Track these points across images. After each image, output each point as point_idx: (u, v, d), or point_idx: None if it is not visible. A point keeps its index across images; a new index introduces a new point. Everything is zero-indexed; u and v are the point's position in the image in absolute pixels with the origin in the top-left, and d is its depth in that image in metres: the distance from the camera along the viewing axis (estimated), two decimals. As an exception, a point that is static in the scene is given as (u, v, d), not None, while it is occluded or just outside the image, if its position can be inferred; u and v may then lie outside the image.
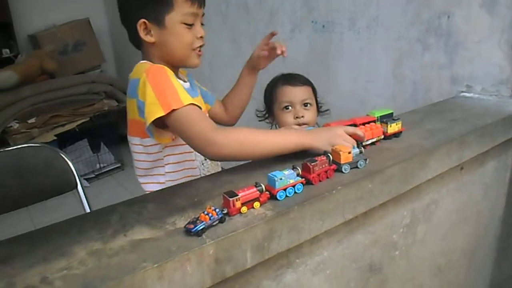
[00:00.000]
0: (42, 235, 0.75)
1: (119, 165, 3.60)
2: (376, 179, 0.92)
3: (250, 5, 2.44)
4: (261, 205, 0.77)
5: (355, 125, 1.11)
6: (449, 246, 1.32)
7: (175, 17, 1.02)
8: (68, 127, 3.21)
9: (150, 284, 0.63)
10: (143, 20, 1.02)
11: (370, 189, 0.91)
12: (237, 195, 0.74)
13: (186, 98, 0.95)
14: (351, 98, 1.98)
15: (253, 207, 0.77)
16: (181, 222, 0.74)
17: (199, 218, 0.70)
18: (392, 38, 1.75)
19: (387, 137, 1.10)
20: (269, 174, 0.80)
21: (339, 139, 0.94)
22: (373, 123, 1.09)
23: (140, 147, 1.10)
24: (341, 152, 0.89)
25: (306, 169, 0.85)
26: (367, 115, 1.18)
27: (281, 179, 0.79)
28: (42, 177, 1.33)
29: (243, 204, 0.75)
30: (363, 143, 1.01)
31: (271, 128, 1.54)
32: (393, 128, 1.10)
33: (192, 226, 0.69)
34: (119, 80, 3.77)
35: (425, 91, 1.68)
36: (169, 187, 0.92)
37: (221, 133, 0.92)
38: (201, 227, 0.69)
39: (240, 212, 0.75)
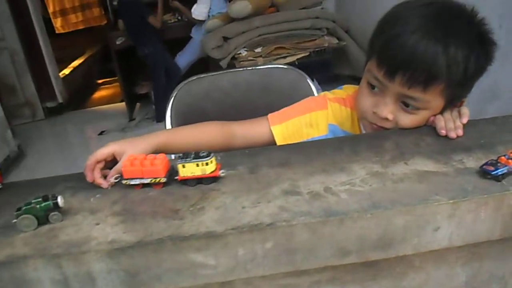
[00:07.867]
0: (315, 148, 0.76)
1: (327, 102, 3.64)
2: None
3: None
4: None
5: None
6: None
7: (366, 69, 0.86)
8: (289, 59, 3.32)
9: (439, 219, 0.58)
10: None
11: None
12: (552, 144, 0.62)
13: (277, 127, 0.94)
14: None
15: None
16: (469, 161, 0.66)
17: (500, 161, 0.61)
18: None
19: (183, 181, 0.66)
20: None
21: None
22: (160, 155, 0.67)
23: None
24: None
25: None
26: None
27: None
28: (287, 98, 1.37)
29: (555, 156, 0.62)
30: (125, 182, 0.66)
31: None
32: (189, 170, 0.65)
33: (492, 168, 0.60)
34: (341, 17, 3.71)
35: None
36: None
37: None
38: (503, 172, 0.59)
39: (549, 165, 0.63)
